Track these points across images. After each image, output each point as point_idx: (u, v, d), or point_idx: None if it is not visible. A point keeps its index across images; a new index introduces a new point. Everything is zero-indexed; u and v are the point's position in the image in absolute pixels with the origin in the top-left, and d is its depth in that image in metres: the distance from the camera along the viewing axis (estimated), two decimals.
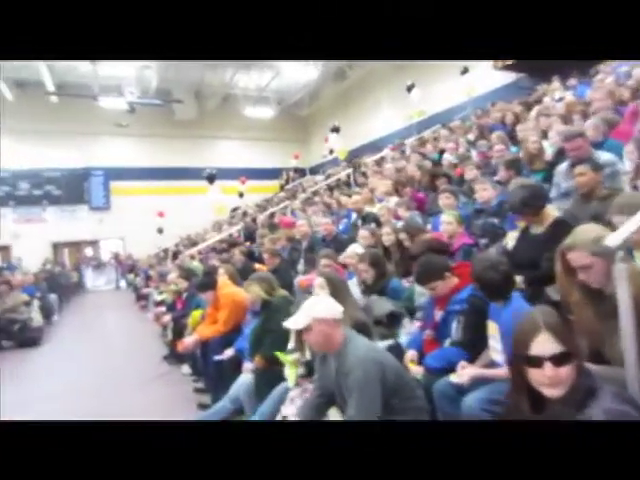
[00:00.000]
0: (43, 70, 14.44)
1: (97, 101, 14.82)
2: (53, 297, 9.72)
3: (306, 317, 2.16)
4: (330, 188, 11.21)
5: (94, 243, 19.00)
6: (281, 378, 3.02)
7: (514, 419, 1.51)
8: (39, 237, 17.46)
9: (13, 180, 17.60)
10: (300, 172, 19.71)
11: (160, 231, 16.26)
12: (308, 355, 2.74)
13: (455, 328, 2.26)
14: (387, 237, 4.07)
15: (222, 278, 4.74)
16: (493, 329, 2.03)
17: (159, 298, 7.52)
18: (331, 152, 17.36)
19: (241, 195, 16.85)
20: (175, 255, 10.74)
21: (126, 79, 15.28)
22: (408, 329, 2.85)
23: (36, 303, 8.05)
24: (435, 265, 2.46)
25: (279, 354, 2.84)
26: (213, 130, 20.20)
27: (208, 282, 4.43)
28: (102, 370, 5.78)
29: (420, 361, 2.40)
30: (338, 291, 2.75)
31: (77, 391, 4.98)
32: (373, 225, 4.88)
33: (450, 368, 2.14)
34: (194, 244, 12.16)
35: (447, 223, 3.34)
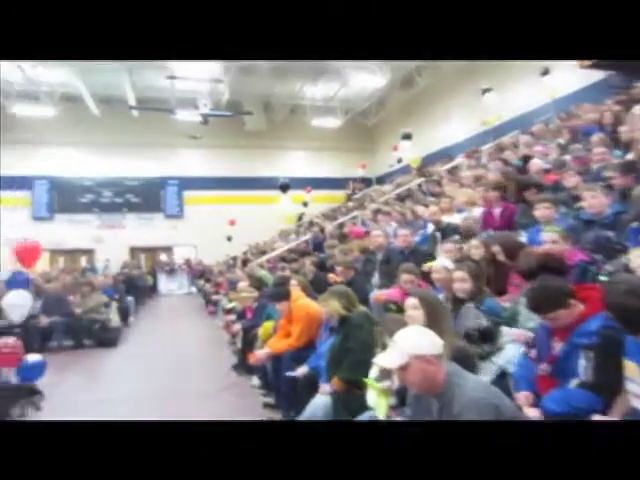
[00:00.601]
0: (126, 86, 15.29)
1: (174, 114, 15.44)
2: (130, 299, 10.12)
3: (402, 354, 1.86)
4: (401, 198, 10.88)
5: (168, 249, 19.83)
6: (362, 403, 2.78)
7: None
8: (119, 242, 18.48)
9: (97, 189, 18.80)
10: (366, 182, 19.49)
11: (229, 239, 16.64)
12: (396, 382, 2.48)
13: (584, 366, 1.87)
14: (476, 250, 3.73)
15: (295, 289, 4.60)
16: (633, 370, 1.68)
17: (229, 306, 7.55)
18: (399, 161, 17.01)
19: (305, 204, 16.90)
20: (244, 263, 10.85)
21: (200, 92, 15.85)
22: (509, 354, 2.49)
23: (114, 305, 8.38)
24: (556, 290, 2.05)
25: (367, 381, 2.60)
26: (281, 140, 20.48)
27: (282, 292, 4.30)
28: (173, 375, 5.85)
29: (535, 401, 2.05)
30: (435, 313, 2.45)
31: (148, 395, 5.03)
32: (456, 237, 4.55)
33: (574, 414, 1.79)
34: (262, 252, 12.28)
35: (552, 241, 2.85)
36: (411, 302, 2.53)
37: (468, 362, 2.18)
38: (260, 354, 4.28)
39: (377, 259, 5.64)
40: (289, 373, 3.75)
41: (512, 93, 12.89)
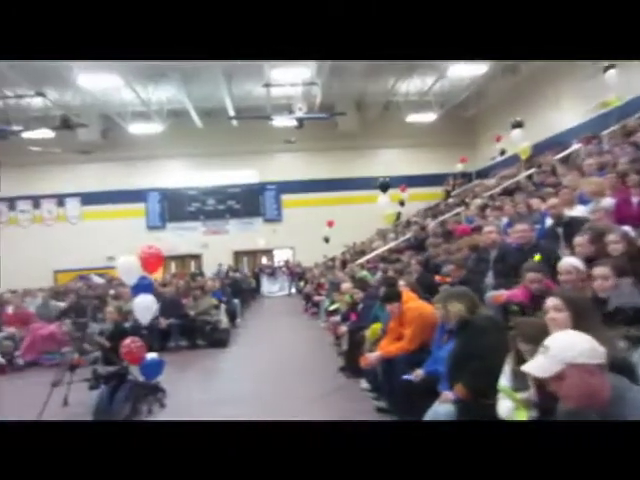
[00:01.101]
0: (225, 97, 16.09)
1: (271, 120, 15.96)
2: (236, 302, 10.56)
3: (556, 362, 1.60)
4: (507, 192, 10.17)
5: (268, 252, 20.58)
6: (490, 413, 2.53)
7: None
8: (223, 247, 19.54)
9: (202, 197, 20.05)
10: (466, 177, 18.61)
11: (327, 240, 16.80)
12: (535, 393, 2.21)
13: None
14: (615, 246, 3.26)
15: (405, 290, 4.41)
16: None
17: (332, 307, 7.54)
18: (502, 153, 15.99)
19: (402, 203, 16.52)
20: (343, 264, 10.83)
21: (294, 97, 16.20)
22: None
23: (223, 307, 8.76)
24: None
25: (504, 390, 2.36)
26: (374, 139, 20.28)
27: (393, 293, 4.14)
28: (281, 376, 5.92)
29: None
30: (584, 317, 2.12)
31: (258, 396, 5.11)
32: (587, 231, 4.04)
33: None
34: (361, 253, 12.19)
35: None
36: (554, 303, 2.22)
37: (629, 371, 1.86)
38: (371, 357, 4.15)
39: (490, 257, 5.27)
40: (406, 376, 3.57)
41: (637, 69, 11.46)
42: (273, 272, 19.04)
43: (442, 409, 2.96)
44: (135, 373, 4.56)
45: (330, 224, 17.07)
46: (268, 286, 18.63)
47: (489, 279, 5.03)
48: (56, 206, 19.93)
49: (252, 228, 20.14)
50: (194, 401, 4.99)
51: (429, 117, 18.88)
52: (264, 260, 20.49)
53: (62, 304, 8.77)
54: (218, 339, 7.62)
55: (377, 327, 4.85)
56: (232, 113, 17.08)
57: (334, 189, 20.11)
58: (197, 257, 19.51)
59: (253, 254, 20.64)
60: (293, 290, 18.40)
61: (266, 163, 20.30)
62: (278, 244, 20.29)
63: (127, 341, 4.23)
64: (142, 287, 4.46)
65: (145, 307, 4.65)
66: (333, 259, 14.17)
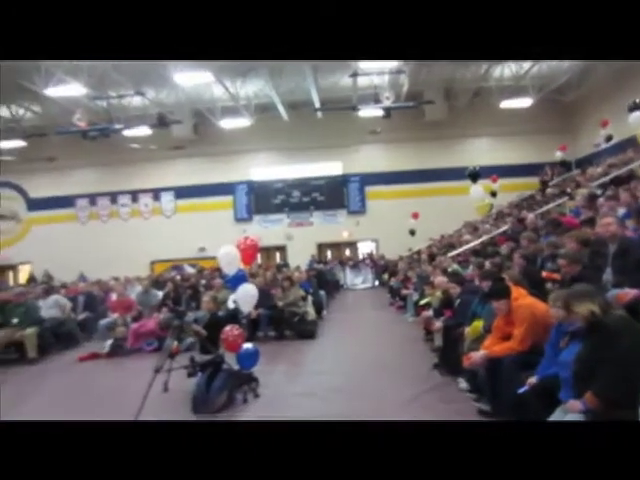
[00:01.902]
0: (312, 89, 16.13)
1: (357, 111, 15.77)
2: (322, 293, 10.55)
3: None
4: (617, 181, 9.14)
5: (352, 244, 20.50)
6: None
7: None
8: (307, 239, 19.76)
9: (287, 190, 20.37)
10: (565, 166, 17.15)
11: (412, 233, 16.34)
12: None
13: None
14: None
15: (512, 286, 4.03)
16: None
17: (423, 301, 7.22)
18: (609, 139, 14.51)
19: (494, 194, 15.59)
20: (431, 257, 10.40)
21: (380, 86, 15.84)
22: None
23: (310, 298, 8.75)
24: None
25: None
26: (463, 128, 19.34)
27: (502, 289, 3.80)
28: (370, 372, 5.73)
29: None
30: None
31: (347, 392, 4.96)
32: None
33: None
34: (449, 246, 11.66)
35: None
36: None
37: None
38: (476, 356, 3.84)
39: (609, 252, 4.69)
40: (521, 390, 3.23)
41: None
42: (356, 264, 18.92)
43: (569, 419, 2.62)
44: (230, 362, 4.62)
45: (415, 216, 16.60)
46: (351, 278, 18.55)
47: (607, 275, 4.50)
48: (152, 200, 21.25)
49: (336, 220, 20.15)
50: (284, 393, 4.96)
51: (525, 102, 17.59)
52: (347, 252, 20.43)
53: (161, 293, 9.25)
54: (306, 330, 7.62)
55: (478, 324, 4.51)
56: (318, 105, 17.09)
57: (419, 180, 19.51)
58: (282, 249, 19.88)
59: (337, 246, 20.68)
60: (376, 283, 18.18)
61: (350, 155, 20.15)
62: (361, 236, 20.13)
63: (227, 328, 4.28)
64: (238, 278, 4.47)
65: (251, 296, 4.67)
66: (418, 252, 13.71)
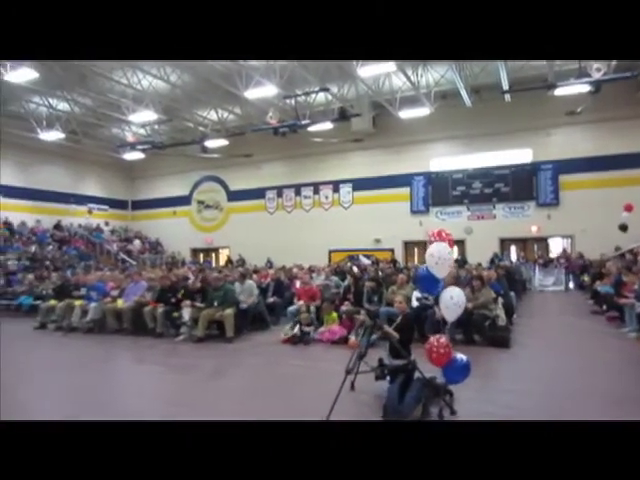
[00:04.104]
0: (501, 71, 14.71)
1: (553, 90, 13.86)
2: (512, 295, 9.49)
3: None
4: None
5: (541, 240, 18.37)
6: None
7: None
8: (489, 233, 18.33)
9: (467, 180, 19.14)
10: None
11: (623, 228, 13.81)
12: None
13: None
14: None
15: None
16: None
17: None
18: None
19: None
20: None
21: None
22: None
23: (500, 301, 7.89)
24: None
25: None
26: None
27: None
28: (580, 395, 4.78)
29: None
30: None
31: (552, 417, 4.17)
32: None
33: None
34: None
35: None
36: None
37: None
38: None
39: None
40: None
41: None
42: (546, 263, 16.86)
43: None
44: (422, 368, 4.27)
45: (629, 208, 13.96)
46: (540, 279, 16.59)
47: None
48: (332, 192, 22.09)
49: (523, 213, 18.26)
50: (478, 411, 4.36)
51: None
52: (535, 249, 18.37)
53: (344, 283, 9.39)
54: (498, 337, 6.82)
55: None
56: (506, 87, 15.56)
57: (631, 166, 16.42)
58: (460, 243, 18.80)
59: (522, 242, 18.77)
60: (571, 285, 15.96)
61: (541, 140, 18.00)
62: (553, 231, 17.90)
63: (432, 339, 3.94)
64: (428, 277, 4.04)
65: (459, 305, 4.15)
66: (634, 252, 11.47)
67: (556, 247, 18.21)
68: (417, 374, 4.19)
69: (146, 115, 18.14)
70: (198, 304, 8.57)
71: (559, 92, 14.19)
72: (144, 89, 16.79)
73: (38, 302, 11.67)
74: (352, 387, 4.68)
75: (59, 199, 23.40)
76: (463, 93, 16.59)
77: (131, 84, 16.28)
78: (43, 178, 22.71)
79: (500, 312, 7.52)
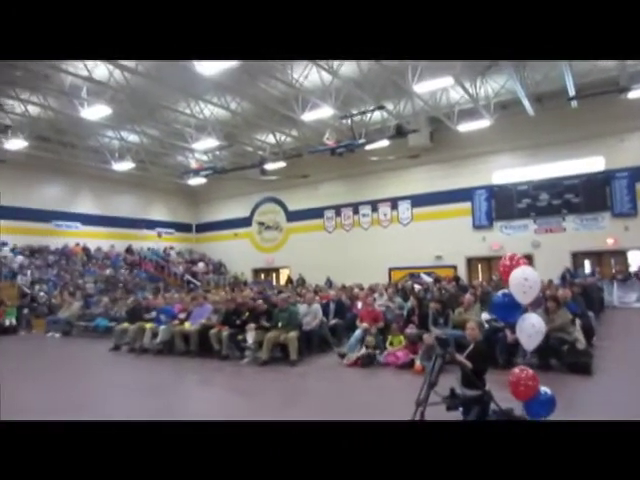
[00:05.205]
0: (566, 77, 14.06)
1: (627, 93, 13.06)
2: (591, 315, 8.83)
3: None
4: None
5: (619, 253, 17.10)
6: None
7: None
8: (558, 246, 17.34)
9: (533, 192, 18.28)
10: None
11: None
12: None
13: None
14: None
15: None
16: None
17: None
18: None
19: None
20: None
21: None
22: None
23: (578, 322, 7.35)
24: None
25: None
26: None
27: None
28: None
29: None
30: None
31: None
32: None
33: None
34: None
35: None
36: None
37: None
38: None
39: None
40: None
41: None
42: (626, 278, 15.65)
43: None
44: (497, 399, 4.02)
45: None
46: (620, 295, 15.39)
47: None
48: (390, 209, 21.86)
49: (596, 225, 17.14)
50: None
51: None
52: (612, 263, 17.12)
53: (407, 304, 9.15)
54: (579, 363, 6.31)
55: None
56: (572, 93, 14.82)
57: None
58: (528, 258, 17.89)
59: (597, 255, 17.56)
60: None
61: (614, 146, 16.92)
62: (632, 244, 16.61)
63: (517, 370, 3.70)
64: (508, 303, 3.81)
65: (537, 332, 3.86)
66: None
67: (636, 260, 16.85)
68: (493, 405, 3.95)
69: (208, 142, 18.97)
70: (264, 323, 8.68)
71: (633, 95, 13.34)
72: (206, 118, 17.56)
73: (112, 324, 12.31)
74: (422, 417, 4.49)
75: (130, 224, 24.83)
76: (525, 102, 15.98)
77: (194, 114, 17.07)
78: (115, 205, 24.27)
79: (579, 335, 6.99)
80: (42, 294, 17.07)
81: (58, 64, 13.19)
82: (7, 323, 14.48)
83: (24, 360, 10.19)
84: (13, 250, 19.72)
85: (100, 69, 13.65)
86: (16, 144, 17.76)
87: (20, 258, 19.21)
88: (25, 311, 15.64)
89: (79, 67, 13.30)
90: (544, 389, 3.79)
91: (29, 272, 18.56)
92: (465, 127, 17.78)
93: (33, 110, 16.85)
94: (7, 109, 16.26)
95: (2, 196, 19.57)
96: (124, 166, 21.20)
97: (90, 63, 13.16)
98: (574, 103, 15.69)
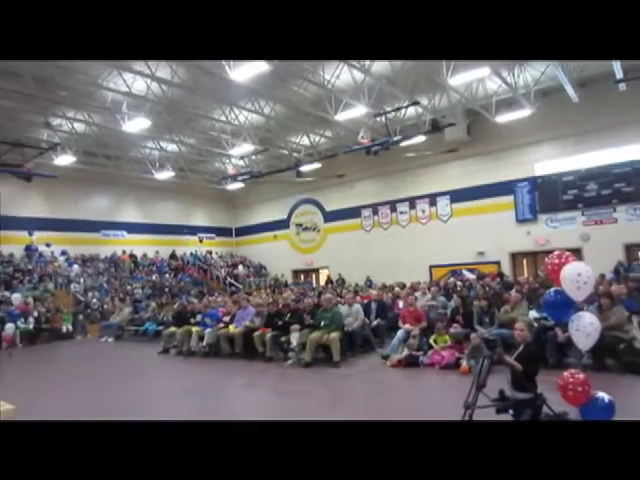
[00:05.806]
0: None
1: None
2: None
3: None
4: None
5: None
6: None
7: None
8: (609, 239, 16.52)
9: (580, 183, 17.51)
10: None
11: None
12: None
13: None
14: None
15: None
16: None
17: None
18: None
19: None
20: None
21: None
22: None
23: (635, 320, 6.99)
24: None
25: None
26: None
27: None
28: None
29: None
30: None
31: None
32: None
33: None
34: None
35: None
36: None
37: None
38: None
39: None
40: None
41: None
42: None
43: None
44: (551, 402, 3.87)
45: None
46: None
47: None
48: (428, 205, 21.49)
49: None
50: None
51: None
52: None
53: (450, 303, 8.98)
54: (636, 363, 6.01)
55: None
56: (619, 75, 14.10)
57: None
58: (576, 251, 17.19)
59: None
60: None
61: None
62: None
63: (566, 374, 3.57)
64: (562, 301, 3.64)
65: (594, 330, 3.68)
66: None
67: None
68: (545, 409, 3.81)
69: (244, 147, 19.28)
70: (309, 320, 8.80)
71: None
72: (241, 124, 17.82)
73: (160, 328, 12.71)
74: (470, 418, 4.38)
75: (173, 231, 25.57)
76: (568, 88, 15.32)
77: (229, 120, 17.36)
78: (158, 213, 25.07)
79: (637, 333, 6.64)
80: (95, 301, 17.84)
81: (100, 82, 13.75)
82: (64, 329, 15.26)
83: (81, 363, 10.70)
84: (67, 259, 20.67)
85: (138, 83, 14.10)
86: (65, 160, 18.62)
87: (75, 267, 20.12)
88: (80, 317, 16.43)
89: (119, 83, 13.79)
90: (601, 394, 3.61)
91: (82, 280, 19.40)
92: (504, 118, 17.23)
93: (79, 127, 17.63)
94: (55, 128, 17.07)
95: (55, 209, 20.73)
96: (165, 175, 21.84)
97: (129, 78, 13.62)
98: (622, 86, 14.91)
